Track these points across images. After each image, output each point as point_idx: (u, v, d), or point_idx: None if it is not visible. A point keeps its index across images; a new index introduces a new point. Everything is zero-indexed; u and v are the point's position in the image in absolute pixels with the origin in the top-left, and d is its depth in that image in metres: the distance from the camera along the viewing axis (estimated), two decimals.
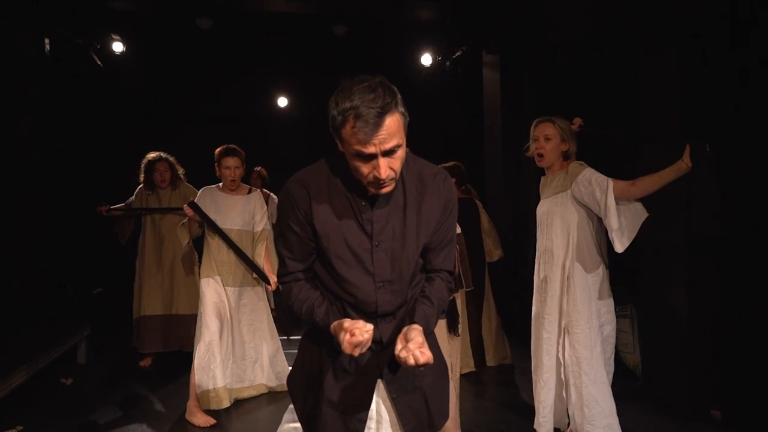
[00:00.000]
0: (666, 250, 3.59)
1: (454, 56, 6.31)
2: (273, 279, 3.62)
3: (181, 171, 4.68)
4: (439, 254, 1.62)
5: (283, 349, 3.99)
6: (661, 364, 3.70)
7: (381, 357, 1.57)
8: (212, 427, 3.41)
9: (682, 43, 3.48)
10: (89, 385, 4.19)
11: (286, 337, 3.85)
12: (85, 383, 4.22)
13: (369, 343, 1.42)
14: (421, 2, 5.45)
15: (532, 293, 2.98)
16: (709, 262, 3.43)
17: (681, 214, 3.50)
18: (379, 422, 1.60)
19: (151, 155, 4.61)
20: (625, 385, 3.49)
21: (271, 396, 3.90)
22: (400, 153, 1.44)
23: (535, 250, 2.98)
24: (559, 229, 2.82)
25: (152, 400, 3.86)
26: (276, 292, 3.65)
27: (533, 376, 2.96)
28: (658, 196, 2.67)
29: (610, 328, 2.86)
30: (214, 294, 3.63)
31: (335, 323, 1.49)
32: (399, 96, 1.43)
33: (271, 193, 4.93)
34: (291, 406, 2.79)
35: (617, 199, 2.65)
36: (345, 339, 1.38)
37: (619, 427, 2.76)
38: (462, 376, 3.87)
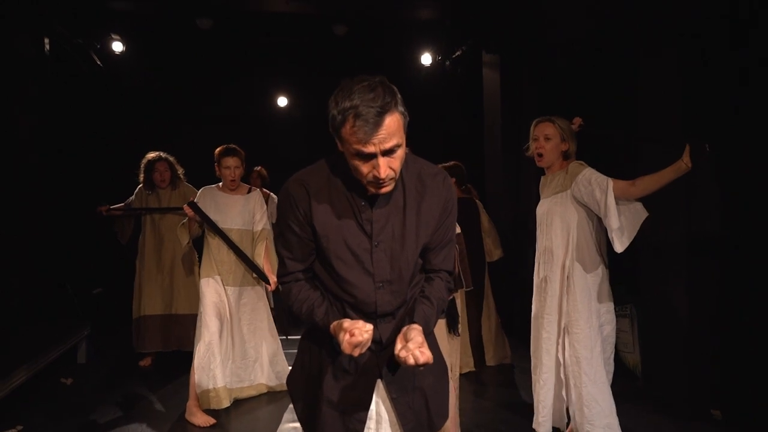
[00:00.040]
0: (666, 250, 3.59)
1: (454, 56, 6.31)
2: (273, 279, 3.62)
3: (180, 171, 4.68)
4: (438, 254, 1.61)
5: (283, 349, 3.99)
6: (661, 364, 3.70)
7: (380, 357, 1.57)
8: (212, 426, 3.41)
9: (682, 43, 3.48)
10: (89, 384, 4.19)
11: (284, 337, 3.85)
12: (85, 383, 4.22)
13: (369, 344, 1.42)
14: (421, 2, 5.45)
15: (532, 293, 2.98)
16: (709, 262, 3.43)
17: (681, 213, 3.50)
18: (378, 422, 1.60)
19: (151, 155, 4.61)
20: (624, 385, 3.49)
21: (271, 396, 3.90)
22: (400, 153, 1.44)
23: (535, 249, 2.98)
24: (559, 228, 2.82)
25: (152, 399, 3.86)
26: (275, 292, 3.65)
27: (532, 375, 2.96)
28: (658, 195, 2.67)
29: (609, 328, 2.86)
30: (214, 294, 3.63)
31: (335, 323, 1.49)
32: (399, 96, 1.43)
33: (271, 193, 4.93)
34: (291, 405, 2.79)
35: (617, 199, 2.65)
36: (345, 339, 1.38)
37: (619, 426, 2.76)
38: (462, 375, 3.87)
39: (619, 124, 4.13)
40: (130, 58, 6.03)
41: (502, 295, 4.64)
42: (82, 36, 5.61)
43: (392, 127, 1.39)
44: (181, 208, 3.83)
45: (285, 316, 3.71)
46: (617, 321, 2.95)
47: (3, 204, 4.29)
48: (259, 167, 5.41)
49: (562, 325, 2.82)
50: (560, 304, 2.83)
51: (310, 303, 1.57)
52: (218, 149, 3.72)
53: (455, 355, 2.91)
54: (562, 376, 2.84)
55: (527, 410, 3.01)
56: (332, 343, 1.52)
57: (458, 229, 2.63)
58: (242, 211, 3.71)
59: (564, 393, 2.84)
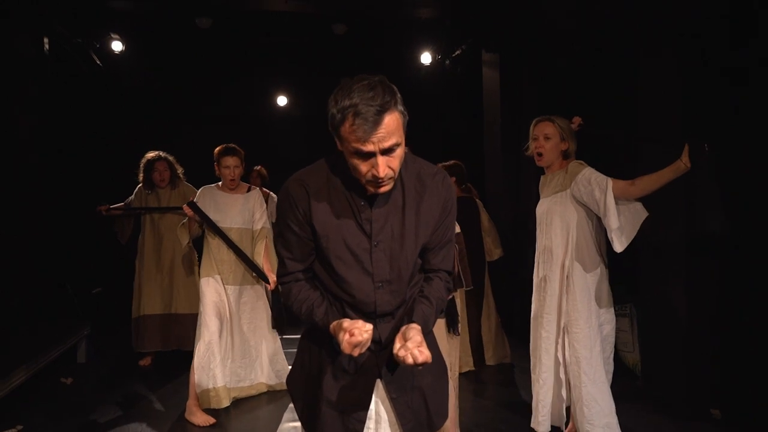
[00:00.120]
0: (666, 250, 3.59)
1: (453, 55, 6.31)
2: (272, 278, 3.62)
3: (180, 170, 4.68)
4: (437, 254, 1.61)
5: (283, 348, 3.99)
6: (661, 364, 3.70)
7: (380, 357, 1.57)
8: (212, 426, 3.41)
9: (682, 43, 3.48)
10: (89, 384, 4.20)
11: (280, 336, 3.86)
12: (84, 383, 4.22)
13: (368, 343, 1.42)
14: (421, 1, 5.45)
15: (532, 292, 2.98)
16: (709, 262, 3.43)
17: (681, 213, 3.50)
18: (378, 422, 1.60)
19: (150, 154, 4.61)
20: (624, 385, 3.49)
21: (270, 395, 3.90)
22: (399, 152, 1.44)
23: (535, 249, 2.98)
24: (559, 228, 2.82)
25: (152, 399, 3.86)
26: (275, 291, 3.65)
27: (532, 375, 2.96)
28: (658, 195, 2.68)
29: (609, 328, 2.86)
30: (214, 293, 3.63)
31: (334, 323, 1.49)
32: (398, 95, 1.43)
33: (271, 192, 4.93)
34: (291, 405, 2.79)
35: (617, 199, 2.65)
36: (344, 339, 1.38)
37: (618, 426, 2.77)
38: (461, 375, 3.87)
39: (619, 124, 4.13)
40: (129, 58, 6.03)
41: (501, 295, 4.64)
42: (81, 36, 5.61)
43: (391, 126, 1.39)
44: (181, 208, 3.83)
45: (280, 315, 3.70)
46: (617, 320, 2.95)
47: (3, 204, 4.29)
48: (259, 167, 5.41)
49: (562, 325, 2.82)
50: (560, 303, 2.83)
51: (309, 303, 1.57)
52: (218, 149, 3.72)
53: (454, 354, 2.91)
54: (561, 375, 2.84)
55: (527, 409, 3.02)
56: (332, 342, 1.52)
57: (458, 229, 2.64)
58: (242, 210, 3.71)
59: (563, 392, 2.85)
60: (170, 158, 4.63)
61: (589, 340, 2.75)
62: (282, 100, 7.33)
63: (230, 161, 3.67)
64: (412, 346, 1.39)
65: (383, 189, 1.47)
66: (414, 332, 1.44)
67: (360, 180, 1.47)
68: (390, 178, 1.45)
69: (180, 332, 4.50)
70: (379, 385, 1.59)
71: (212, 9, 5.48)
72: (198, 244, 3.96)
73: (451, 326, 2.82)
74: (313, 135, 3.99)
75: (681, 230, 3.51)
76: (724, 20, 3.30)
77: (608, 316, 2.86)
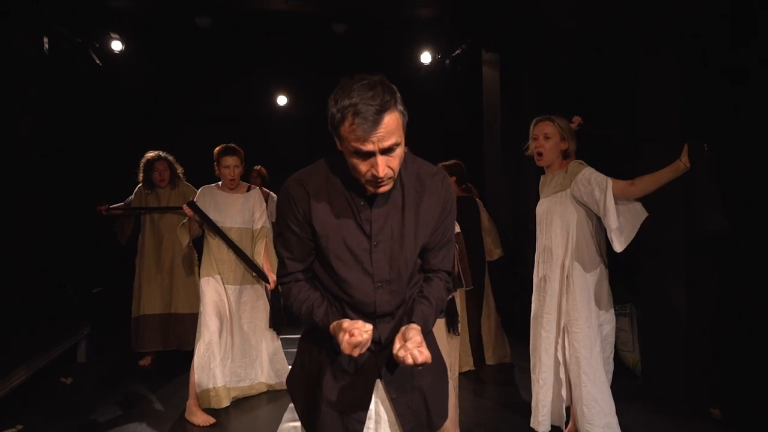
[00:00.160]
0: (666, 250, 3.59)
1: (453, 54, 6.31)
2: (272, 277, 3.62)
3: (180, 170, 4.67)
4: (437, 254, 1.61)
5: (283, 348, 3.99)
6: (661, 363, 3.70)
7: (380, 357, 1.57)
8: (212, 426, 3.41)
9: (682, 43, 3.48)
10: (89, 384, 4.20)
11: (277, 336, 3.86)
12: (84, 382, 4.22)
13: (368, 344, 1.42)
14: (421, 0, 5.45)
15: (532, 292, 2.98)
16: (709, 262, 3.43)
17: (680, 213, 3.50)
18: (377, 422, 1.60)
19: (150, 154, 4.61)
20: (624, 384, 3.49)
21: (271, 395, 3.90)
22: (399, 152, 1.44)
23: (535, 249, 2.98)
24: (559, 228, 2.82)
25: (152, 399, 3.86)
26: (274, 291, 3.65)
27: (531, 374, 2.96)
28: (658, 195, 2.68)
29: (609, 328, 2.87)
30: (214, 293, 3.63)
31: (334, 323, 1.49)
32: (398, 95, 1.43)
33: (271, 192, 4.93)
34: (291, 405, 2.79)
35: (616, 199, 2.65)
36: (344, 339, 1.38)
37: (618, 426, 2.77)
38: (461, 374, 3.87)
39: (619, 124, 4.13)
40: (129, 58, 6.03)
41: (501, 295, 4.64)
42: (81, 35, 5.61)
43: (391, 125, 1.39)
44: (181, 208, 3.83)
45: (278, 314, 3.70)
46: (617, 320, 2.96)
47: (3, 204, 4.29)
48: (259, 166, 5.42)
49: (562, 325, 2.82)
50: (560, 303, 2.83)
51: (309, 303, 1.57)
52: (217, 148, 3.72)
53: (454, 354, 2.92)
54: (561, 375, 2.84)
55: (527, 409, 3.02)
56: (332, 343, 1.52)
57: (458, 228, 2.64)
58: (242, 210, 3.72)
59: (563, 392, 2.85)
60: (170, 158, 4.63)
61: (589, 340, 2.75)
62: (282, 100, 7.33)
63: (230, 161, 3.67)
64: (411, 347, 1.39)
65: (383, 189, 1.46)
66: (414, 332, 1.44)
67: (359, 180, 1.47)
68: (389, 178, 1.45)
69: (180, 332, 4.50)
70: (378, 386, 1.59)
71: (212, 9, 5.48)
72: (198, 244, 3.96)
73: (451, 326, 2.82)
74: (313, 135, 3.99)
75: (681, 230, 3.51)
76: (724, 20, 3.30)
77: (608, 315, 2.86)
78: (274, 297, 3.66)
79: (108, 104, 6.31)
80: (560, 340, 2.84)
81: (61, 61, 5.37)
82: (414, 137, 1.79)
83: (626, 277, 3.87)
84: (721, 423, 3.28)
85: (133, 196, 4.65)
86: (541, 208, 2.94)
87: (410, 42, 6.27)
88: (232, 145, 3.72)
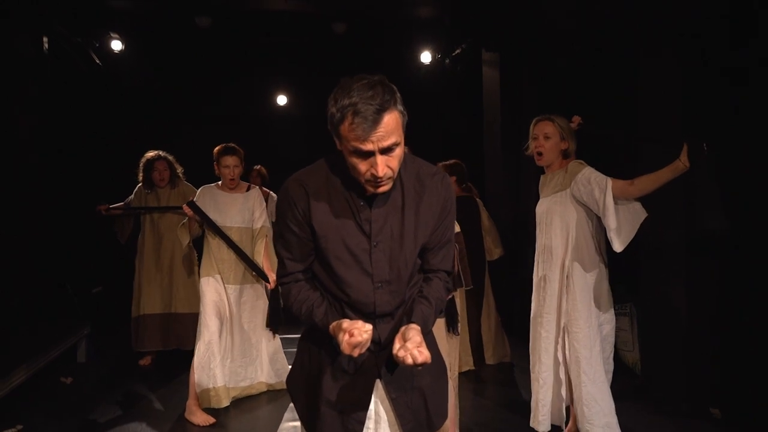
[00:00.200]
0: (666, 250, 3.59)
1: (453, 54, 6.31)
2: (272, 277, 3.62)
3: (180, 170, 4.67)
4: (437, 254, 1.61)
5: (283, 348, 3.99)
6: (661, 363, 3.70)
7: (379, 357, 1.57)
8: (212, 426, 3.41)
9: (682, 43, 3.48)
10: (89, 384, 4.20)
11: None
12: (84, 382, 4.22)
13: (368, 344, 1.42)
14: (421, 0, 5.45)
15: (532, 292, 2.98)
16: (709, 262, 3.43)
17: (680, 213, 3.50)
18: (377, 422, 1.60)
19: (150, 154, 4.61)
20: (624, 384, 3.49)
21: (271, 395, 3.90)
22: (398, 151, 1.44)
23: (535, 248, 2.98)
24: (559, 228, 2.83)
25: (152, 399, 3.86)
26: (274, 290, 3.65)
27: (531, 374, 2.96)
28: (658, 195, 2.68)
29: (609, 327, 2.87)
30: (214, 293, 3.63)
31: (334, 324, 1.49)
32: (398, 95, 1.43)
33: (271, 192, 4.93)
34: (291, 405, 2.79)
35: (616, 199, 2.65)
36: (344, 339, 1.38)
37: (618, 426, 2.77)
38: (461, 374, 3.87)
39: (619, 124, 4.13)
40: (129, 58, 6.03)
41: (502, 294, 4.65)
42: (81, 35, 5.61)
43: (391, 125, 1.39)
44: (180, 207, 3.83)
45: (275, 314, 3.70)
46: (617, 319, 2.96)
47: (3, 204, 4.29)
48: (259, 166, 5.42)
49: (562, 325, 2.82)
50: (559, 303, 2.83)
51: (309, 303, 1.56)
52: (217, 148, 3.72)
53: (454, 354, 2.91)
54: (561, 375, 2.84)
55: (527, 409, 3.02)
56: (331, 343, 1.52)
57: (457, 228, 2.63)
58: (241, 209, 3.72)
59: (563, 392, 2.85)
60: (170, 158, 4.63)
61: (589, 340, 2.75)
62: (282, 100, 7.33)
63: (230, 161, 3.67)
64: (411, 347, 1.39)
65: (382, 189, 1.46)
66: (413, 332, 1.44)
67: (359, 179, 1.47)
68: (389, 178, 1.45)
69: (180, 332, 4.50)
70: (378, 386, 1.59)
71: (212, 9, 5.48)
72: (198, 244, 3.97)
73: (451, 326, 2.81)
74: (313, 135, 3.99)
75: (681, 230, 3.51)
76: (724, 20, 3.30)
77: (608, 315, 2.86)
78: (273, 296, 3.66)
79: (108, 104, 6.30)
80: (560, 340, 2.84)
81: (60, 61, 5.37)
82: (414, 137, 1.79)
83: (626, 277, 3.87)
84: (721, 423, 3.28)
85: (132, 195, 4.65)
86: (540, 208, 2.94)
87: (410, 42, 6.27)
88: (232, 144, 3.72)
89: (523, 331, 3.36)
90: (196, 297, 4.11)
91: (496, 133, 5.63)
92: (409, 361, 1.37)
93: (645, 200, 2.71)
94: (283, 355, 3.97)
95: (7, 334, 4.11)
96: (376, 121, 1.37)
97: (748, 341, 3.20)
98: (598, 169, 2.77)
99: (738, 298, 3.29)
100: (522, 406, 3.51)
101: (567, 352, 2.81)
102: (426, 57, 6.35)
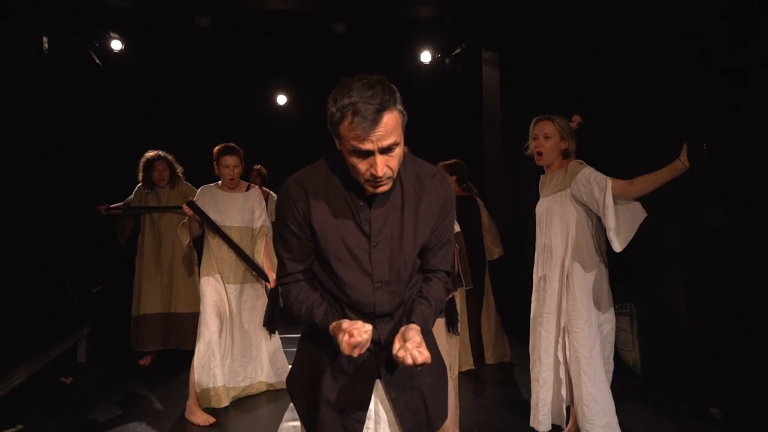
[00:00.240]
0: (666, 250, 3.59)
1: (453, 54, 6.30)
2: (272, 276, 3.62)
3: (179, 169, 4.67)
4: (436, 254, 1.61)
5: (283, 347, 3.99)
6: (661, 363, 3.70)
7: (379, 358, 1.57)
8: (212, 425, 3.41)
9: (682, 43, 3.48)
10: (89, 383, 4.20)
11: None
12: (84, 382, 4.22)
13: (368, 344, 1.42)
14: (420, 0, 5.45)
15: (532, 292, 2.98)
16: (709, 262, 3.43)
17: (680, 213, 3.50)
18: (377, 422, 1.60)
19: (150, 154, 4.61)
20: (624, 383, 3.49)
21: (271, 394, 3.90)
22: (398, 151, 1.44)
23: (535, 248, 2.98)
24: (559, 227, 2.83)
25: (152, 398, 3.86)
26: (273, 290, 3.65)
27: (531, 374, 2.96)
28: (658, 195, 2.68)
29: (609, 327, 2.87)
30: (214, 293, 3.63)
31: (334, 324, 1.49)
32: (398, 95, 1.43)
33: (271, 191, 4.93)
34: (291, 404, 2.79)
35: (616, 198, 2.65)
36: (344, 340, 1.38)
37: (618, 425, 2.77)
38: (461, 373, 3.87)
39: (619, 124, 4.13)
40: (129, 57, 6.03)
41: (502, 294, 4.65)
42: (81, 35, 5.61)
43: (390, 124, 1.39)
44: (180, 207, 3.83)
45: (272, 314, 3.70)
46: (616, 319, 2.96)
47: (3, 204, 4.29)
48: (259, 166, 5.42)
49: (562, 324, 2.82)
50: (559, 303, 2.83)
51: (309, 304, 1.56)
52: (217, 148, 3.73)
53: (454, 354, 2.91)
54: (561, 374, 2.85)
55: (527, 408, 3.02)
56: (331, 343, 1.52)
57: (457, 228, 2.64)
58: (241, 209, 3.72)
59: (563, 391, 2.85)
60: (169, 157, 4.63)
61: (589, 340, 2.75)
62: (282, 100, 7.34)
63: (229, 160, 3.67)
64: (411, 347, 1.39)
65: (381, 189, 1.46)
66: (413, 333, 1.44)
67: (358, 179, 1.47)
68: (388, 178, 1.45)
69: (180, 331, 4.50)
70: (378, 386, 1.59)
71: (212, 8, 5.48)
72: (198, 244, 3.97)
73: (451, 326, 2.81)
74: (313, 135, 4.00)
75: (681, 230, 3.51)
76: (724, 20, 3.29)
77: (608, 315, 2.86)
78: (272, 296, 3.66)
79: (108, 104, 6.30)
80: (560, 340, 2.84)
81: (60, 61, 5.37)
82: (414, 136, 1.79)
83: (626, 277, 3.87)
84: (721, 423, 3.28)
85: (132, 195, 4.65)
86: (540, 208, 2.94)
87: (410, 41, 6.27)
88: (232, 144, 3.72)
89: (523, 330, 3.37)
90: (196, 297, 4.11)
91: (496, 132, 5.63)
92: (409, 361, 1.37)
93: (645, 200, 2.71)
94: (283, 355, 3.97)
95: (7, 334, 4.11)
96: (375, 121, 1.37)
97: (748, 341, 3.20)
98: (598, 169, 2.77)
99: (738, 298, 3.29)
100: (522, 406, 3.51)
101: (567, 351, 2.81)
102: (426, 57, 6.35)
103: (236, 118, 6.74)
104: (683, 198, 3.45)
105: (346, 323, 1.43)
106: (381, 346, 1.56)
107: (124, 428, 3.37)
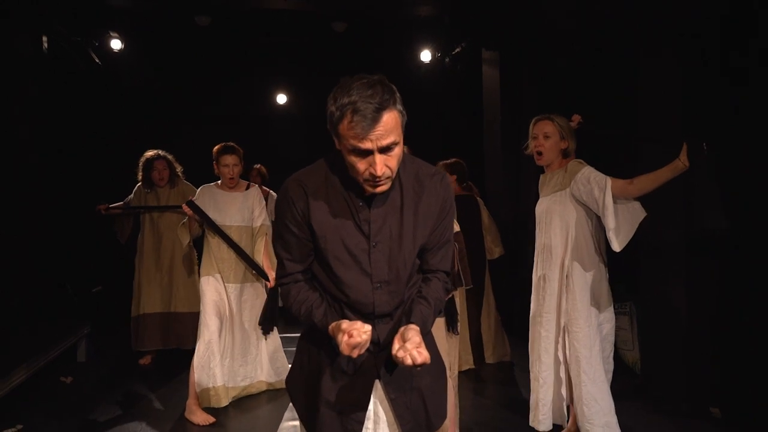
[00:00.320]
0: (665, 249, 3.59)
1: (453, 53, 6.30)
2: (272, 275, 3.62)
3: (179, 169, 4.67)
4: (436, 254, 1.61)
5: (283, 347, 3.99)
6: (661, 363, 3.70)
7: (378, 358, 1.57)
8: (212, 425, 3.41)
9: (682, 43, 3.48)
10: (89, 383, 4.20)
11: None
12: (84, 382, 4.22)
13: (367, 344, 1.42)
14: None
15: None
16: (709, 262, 3.43)
17: (680, 213, 3.50)
18: (376, 423, 1.60)
19: (150, 153, 4.61)
20: (624, 383, 3.49)
21: (271, 394, 3.90)
22: (397, 151, 1.44)
23: (535, 248, 2.98)
24: (558, 227, 2.83)
25: (152, 398, 3.86)
26: (273, 289, 3.65)
27: (530, 373, 2.96)
28: (658, 194, 2.68)
29: (609, 327, 2.87)
30: (214, 292, 3.63)
31: (333, 324, 1.49)
32: (397, 94, 1.43)
33: (271, 191, 4.93)
34: (291, 404, 2.79)
35: (615, 198, 2.65)
36: (343, 340, 1.38)
37: (618, 425, 2.77)
38: (461, 373, 3.87)
39: (619, 124, 4.13)
40: (129, 57, 6.02)
41: (502, 293, 4.65)
42: (80, 34, 5.60)
43: (390, 124, 1.39)
44: (180, 207, 3.83)
45: (271, 314, 3.70)
46: (616, 318, 2.96)
47: (3, 204, 4.29)
48: (259, 165, 5.42)
49: (561, 324, 2.82)
50: (559, 302, 2.83)
51: (308, 304, 1.56)
52: (216, 147, 3.73)
53: (454, 353, 2.91)
54: (561, 374, 2.85)
55: (527, 408, 3.02)
56: (331, 343, 1.52)
57: (457, 227, 2.64)
58: (241, 208, 3.72)
59: (563, 391, 2.85)
60: (169, 157, 4.62)
61: (589, 340, 2.75)
62: (282, 100, 7.34)
63: (229, 160, 3.67)
64: (410, 347, 1.39)
65: (380, 188, 1.46)
66: (413, 333, 1.44)
67: (358, 179, 1.47)
68: (387, 178, 1.45)
69: (180, 331, 4.51)
70: (377, 386, 1.59)
71: (212, 8, 5.48)
72: (198, 243, 3.97)
73: (451, 325, 2.81)
74: (313, 134, 4.00)
75: (681, 230, 3.51)
76: (724, 20, 3.29)
77: (608, 314, 2.86)
78: (271, 296, 3.66)
79: (108, 104, 6.30)
80: (560, 339, 2.84)
81: (60, 61, 5.37)
82: (414, 136, 1.79)
83: (626, 277, 3.87)
84: (721, 423, 3.28)
85: (132, 195, 4.65)
86: (540, 207, 2.94)
87: (410, 41, 6.26)
88: (231, 143, 3.72)
89: (523, 330, 3.36)
90: (196, 296, 4.11)
91: (496, 132, 5.62)
92: (409, 361, 1.37)
93: (644, 200, 2.71)
94: (283, 354, 3.97)
95: (7, 334, 4.11)
96: (375, 120, 1.37)
97: (748, 341, 3.20)
98: (598, 168, 2.77)
99: (738, 298, 3.29)
100: (522, 406, 3.51)
101: (567, 351, 2.81)
102: (426, 56, 6.34)
103: (236, 117, 6.74)
104: (683, 198, 3.45)
105: (345, 323, 1.43)
106: (380, 346, 1.56)
107: (124, 428, 3.37)
